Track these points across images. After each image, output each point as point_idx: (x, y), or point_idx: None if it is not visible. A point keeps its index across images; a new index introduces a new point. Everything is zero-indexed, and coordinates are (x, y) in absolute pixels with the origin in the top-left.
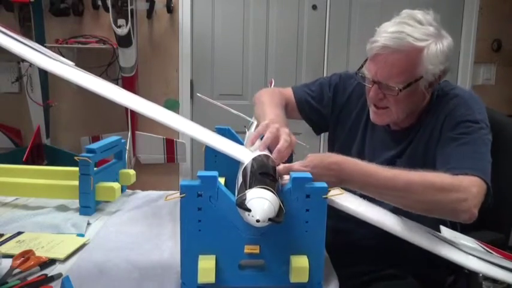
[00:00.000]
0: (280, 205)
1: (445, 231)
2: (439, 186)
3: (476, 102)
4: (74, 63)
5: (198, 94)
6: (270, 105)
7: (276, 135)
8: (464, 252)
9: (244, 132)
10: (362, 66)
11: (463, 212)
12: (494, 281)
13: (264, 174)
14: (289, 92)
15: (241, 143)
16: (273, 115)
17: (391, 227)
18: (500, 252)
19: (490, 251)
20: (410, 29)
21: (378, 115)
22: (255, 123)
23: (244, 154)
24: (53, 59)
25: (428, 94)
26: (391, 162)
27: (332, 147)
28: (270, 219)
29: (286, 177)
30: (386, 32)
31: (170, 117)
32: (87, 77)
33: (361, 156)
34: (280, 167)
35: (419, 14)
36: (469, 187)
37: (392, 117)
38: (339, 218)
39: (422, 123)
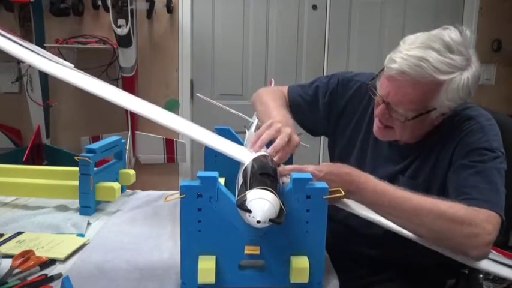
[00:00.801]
0: (280, 206)
1: None
2: (450, 216)
3: (492, 126)
4: (73, 65)
5: (198, 94)
6: (274, 107)
7: (275, 136)
8: None
9: (244, 132)
10: (376, 75)
11: (473, 248)
12: (494, 281)
13: (264, 174)
14: (286, 90)
15: (241, 143)
16: (280, 116)
17: (395, 228)
18: (500, 251)
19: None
20: (435, 56)
21: (380, 131)
22: (255, 123)
23: (245, 155)
24: (52, 61)
25: (438, 122)
26: (393, 177)
27: (332, 155)
28: (270, 220)
29: (286, 178)
30: (408, 54)
31: (170, 119)
32: (86, 78)
33: (361, 166)
34: (291, 167)
35: (450, 35)
36: (483, 223)
37: (395, 137)
38: (338, 222)
39: (430, 143)
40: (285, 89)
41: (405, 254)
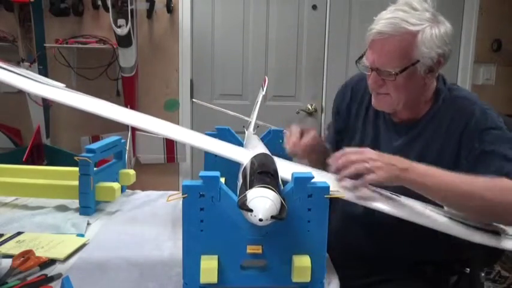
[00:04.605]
0: (281, 202)
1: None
2: (502, 185)
3: (485, 103)
4: (64, 85)
5: (194, 100)
6: None
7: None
8: (473, 227)
9: (244, 132)
10: (362, 56)
11: None
12: (494, 281)
13: (263, 173)
14: None
15: (241, 143)
16: None
17: (391, 210)
18: None
19: None
20: (405, 15)
21: (377, 100)
22: (253, 122)
23: (243, 155)
24: (43, 83)
25: (429, 81)
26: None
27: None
28: (272, 217)
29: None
30: (382, 19)
31: (166, 128)
32: (78, 97)
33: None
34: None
35: (415, 1)
36: None
37: (392, 103)
38: (340, 222)
39: (429, 124)
40: None
41: (407, 249)
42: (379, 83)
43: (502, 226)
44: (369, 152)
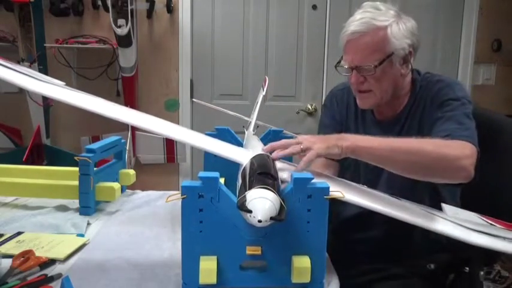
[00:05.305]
0: (281, 203)
1: (447, 208)
2: (441, 143)
3: (457, 82)
4: (64, 83)
5: (194, 99)
6: None
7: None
8: (466, 228)
9: (243, 132)
10: (339, 61)
11: (460, 168)
12: (494, 281)
13: (263, 174)
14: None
15: (241, 143)
16: None
17: (390, 212)
18: (504, 223)
19: (493, 223)
20: (373, 14)
21: (362, 99)
22: (253, 122)
23: (243, 155)
24: (43, 81)
25: (405, 73)
26: None
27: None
28: (271, 218)
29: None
30: (353, 21)
31: (165, 128)
32: (78, 95)
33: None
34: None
35: (379, 4)
36: (461, 148)
37: (375, 98)
38: (340, 220)
39: (409, 114)
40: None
41: (407, 247)
42: (360, 80)
43: (501, 229)
44: (301, 136)
